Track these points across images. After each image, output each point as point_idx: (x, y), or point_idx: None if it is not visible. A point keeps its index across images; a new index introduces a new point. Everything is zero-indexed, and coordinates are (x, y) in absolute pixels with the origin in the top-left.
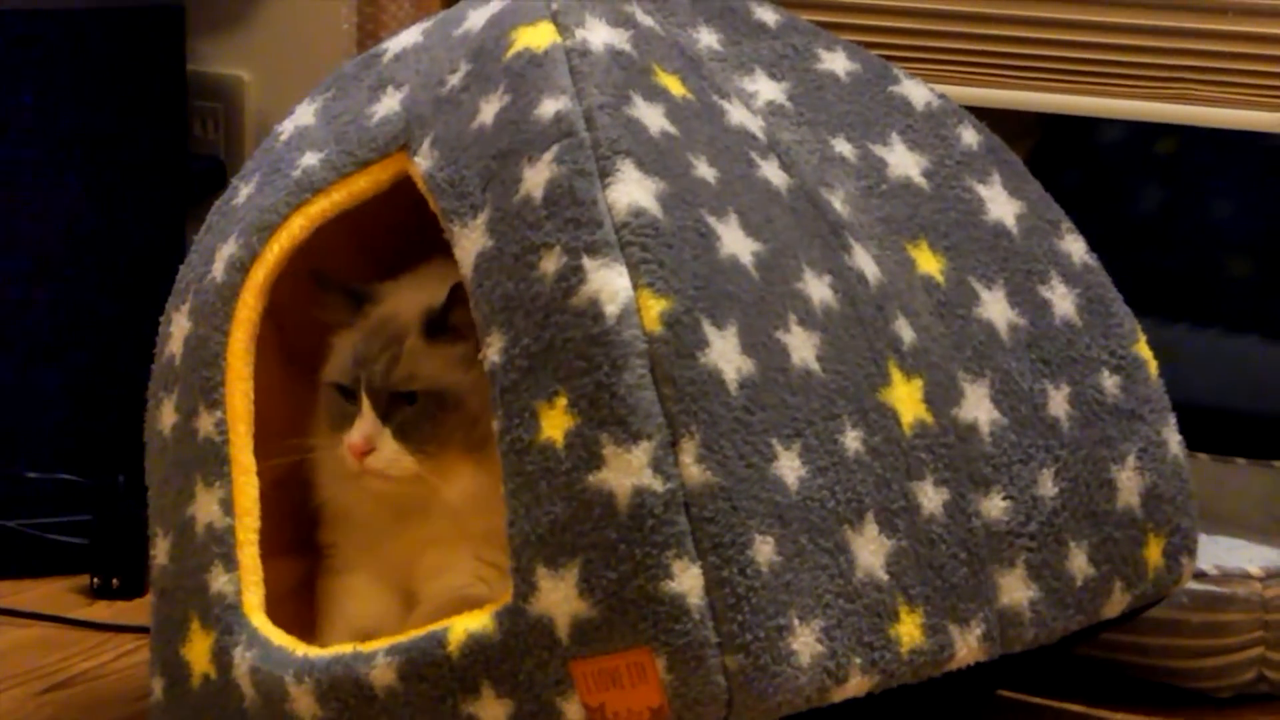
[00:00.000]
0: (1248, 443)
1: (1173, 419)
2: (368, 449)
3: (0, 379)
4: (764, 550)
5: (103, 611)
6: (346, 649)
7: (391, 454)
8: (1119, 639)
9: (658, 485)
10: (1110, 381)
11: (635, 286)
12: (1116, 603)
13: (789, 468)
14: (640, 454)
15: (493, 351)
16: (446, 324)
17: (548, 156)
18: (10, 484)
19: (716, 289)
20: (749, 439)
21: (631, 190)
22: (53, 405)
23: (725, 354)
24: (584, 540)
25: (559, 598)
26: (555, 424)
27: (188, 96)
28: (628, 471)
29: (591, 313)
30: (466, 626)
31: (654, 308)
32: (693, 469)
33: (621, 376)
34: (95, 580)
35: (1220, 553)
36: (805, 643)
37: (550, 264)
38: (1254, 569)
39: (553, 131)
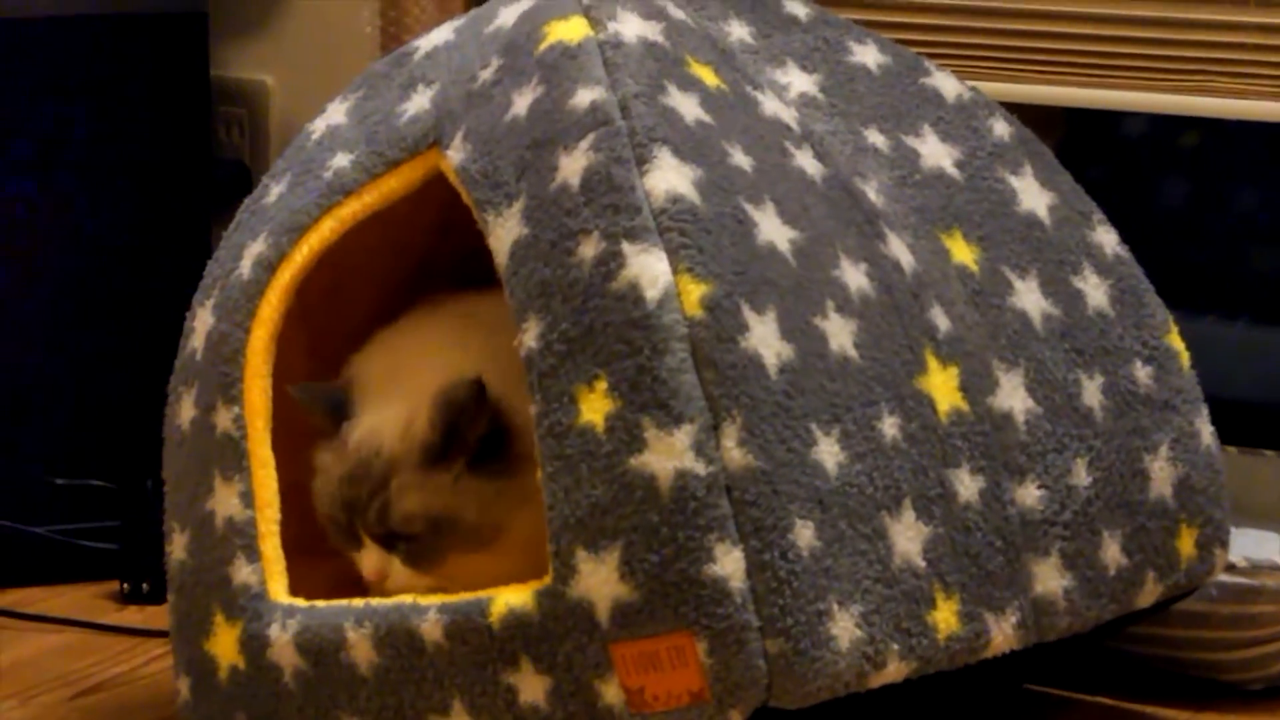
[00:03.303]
0: (1277, 435)
1: (1205, 410)
2: (382, 578)
3: (28, 385)
4: (804, 534)
5: (133, 616)
6: (406, 599)
7: (406, 579)
8: (1148, 632)
9: (700, 468)
10: (1143, 372)
11: (675, 271)
12: (1149, 593)
13: (828, 453)
14: (682, 437)
15: (529, 337)
16: (442, 450)
17: (584, 144)
18: (39, 490)
19: (755, 275)
20: (789, 424)
21: (669, 177)
22: (79, 411)
23: (765, 339)
24: (625, 523)
25: (599, 580)
26: (595, 407)
27: (212, 102)
28: (670, 454)
29: (632, 296)
30: (508, 600)
31: (694, 292)
32: (734, 452)
33: (663, 360)
34: (125, 585)
35: (1250, 545)
36: (844, 628)
37: (589, 249)
38: None
39: (588, 120)
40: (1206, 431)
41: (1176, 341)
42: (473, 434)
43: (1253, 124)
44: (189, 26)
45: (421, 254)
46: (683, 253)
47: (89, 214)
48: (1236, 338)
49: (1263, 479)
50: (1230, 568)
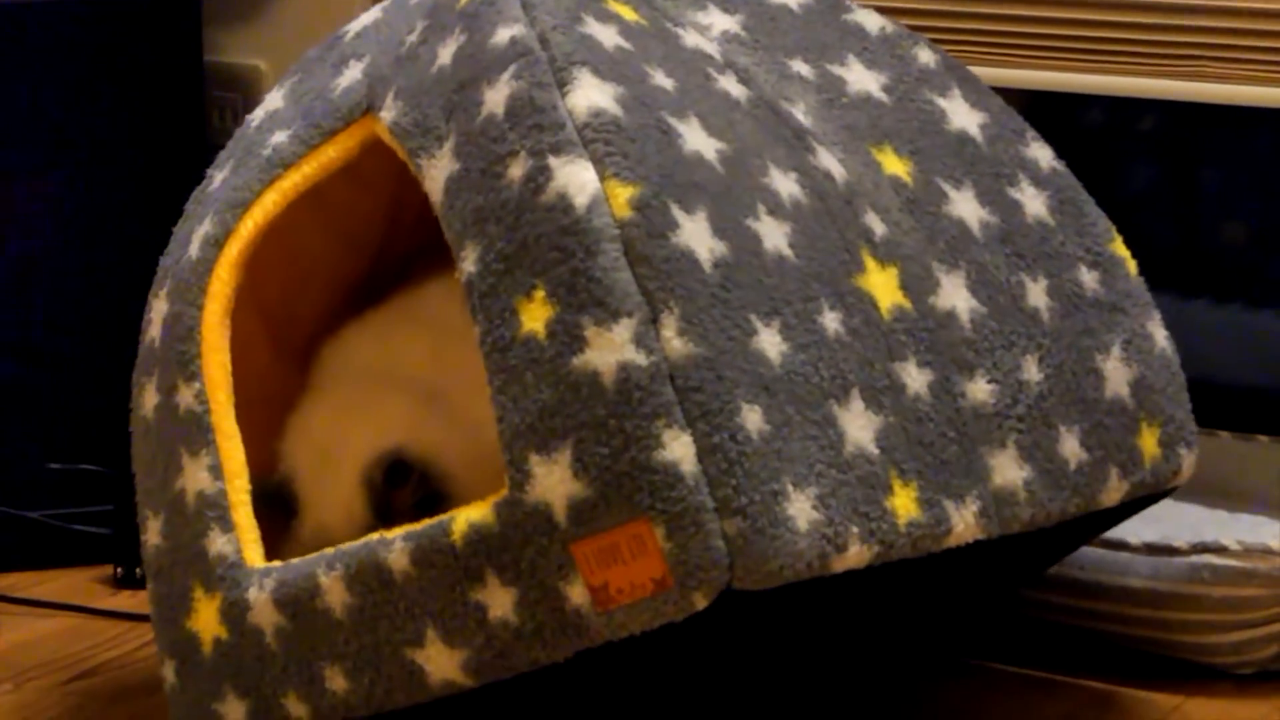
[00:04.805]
0: (1269, 419)
1: (1157, 315)
2: None
3: (21, 370)
4: (752, 418)
5: (127, 601)
6: (374, 535)
7: None
8: (1139, 614)
9: (641, 359)
10: (1089, 276)
11: (601, 178)
12: (1114, 490)
13: (770, 343)
14: (622, 331)
15: (468, 264)
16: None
17: (505, 75)
18: (33, 475)
19: (683, 178)
20: (728, 314)
21: (590, 94)
22: (74, 395)
23: (697, 235)
24: (573, 421)
25: (554, 482)
26: (535, 316)
27: (204, 87)
28: (611, 349)
29: (561, 206)
30: (468, 517)
31: (621, 195)
32: (675, 342)
33: (596, 260)
34: (119, 570)
35: (1243, 530)
36: (801, 508)
37: (517, 170)
38: (1275, 543)
39: (509, 54)
40: (1160, 335)
41: (1121, 249)
42: (403, 506)
43: (1214, 105)
44: (181, 11)
45: (373, 250)
46: (608, 160)
47: (82, 199)
48: (1230, 322)
49: (1256, 464)
50: (1222, 550)
